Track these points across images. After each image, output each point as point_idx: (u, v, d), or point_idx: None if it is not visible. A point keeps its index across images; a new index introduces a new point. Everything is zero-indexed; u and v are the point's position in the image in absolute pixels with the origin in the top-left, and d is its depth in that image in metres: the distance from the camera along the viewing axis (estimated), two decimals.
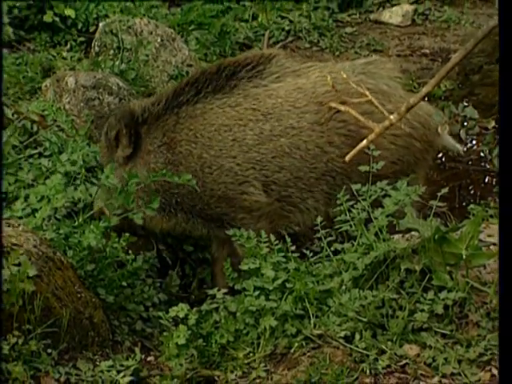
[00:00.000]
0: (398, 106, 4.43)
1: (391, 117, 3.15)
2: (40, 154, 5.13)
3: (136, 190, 4.40)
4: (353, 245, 4.03)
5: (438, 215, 4.91)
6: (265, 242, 4.10)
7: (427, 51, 8.24)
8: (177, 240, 5.29)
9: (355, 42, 8.20)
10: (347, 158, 3.28)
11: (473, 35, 5.01)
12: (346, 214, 4.09)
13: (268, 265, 3.98)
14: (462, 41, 8.20)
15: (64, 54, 6.97)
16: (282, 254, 4.05)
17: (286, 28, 8.14)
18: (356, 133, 4.81)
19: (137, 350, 3.98)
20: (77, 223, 4.45)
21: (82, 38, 7.27)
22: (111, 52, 6.46)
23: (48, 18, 7.26)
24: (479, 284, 3.89)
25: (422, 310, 3.75)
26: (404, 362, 3.65)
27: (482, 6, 8.94)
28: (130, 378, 3.73)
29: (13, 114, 5.23)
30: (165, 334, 3.89)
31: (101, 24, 6.62)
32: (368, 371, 3.62)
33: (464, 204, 6.14)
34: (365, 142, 3.20)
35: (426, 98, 5.70)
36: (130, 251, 4.55)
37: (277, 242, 4.11)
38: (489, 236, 4.27)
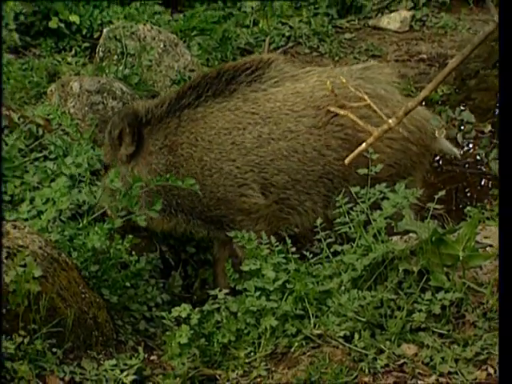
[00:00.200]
0: (395, 111, 4.44)
1: (389, 121, 3.15)
2: (45, 157, 5.13)
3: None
4: (352, 246, 4.03)
5: (435, 217, 4.90)
6: (265, 244, 4.10)
7: (425, 56, 8.24)
8: (179, 241, 5.29)
9: (354, 48, 8.20)
10: (346, 161, 3.27)
11: (469, 41, 5.01)
12: (345, 216, 4.09)
13: (269, 266, 3.98)
14: (458, 46, 8.20)
15: (69, 59, 6.98)
16: (283, 255, 4.05)
17: (287, 34, 8.14)
18: (353, 136, 4.82)
19: (140, 349, 3.98)
20: (81, 225, 4.45)
21: (86, 44, 7.28)
22: (115, 57, 6.47)
23: (53, 24, 7.27)
24: (476, 285, 3.89)
25: (420, 310, 3.75)
26: (402, 361, 3.65)
27: (479, 12, 8.93)
28: (134, 377, 3.73)
29: (19, 118, 5.23)
30: (167, 333, 3.89)
31: (105, 30, 6.63)
32: (367, 370, 3.61)
33: (461, 206, 6.14)
34: (364, 145, 3.20)
35: (424, 103, 5.70)
36: (133, 252, 4.54)
37: (277, 243, 4.11)
38: (485, 238, 4.27)
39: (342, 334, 3.73)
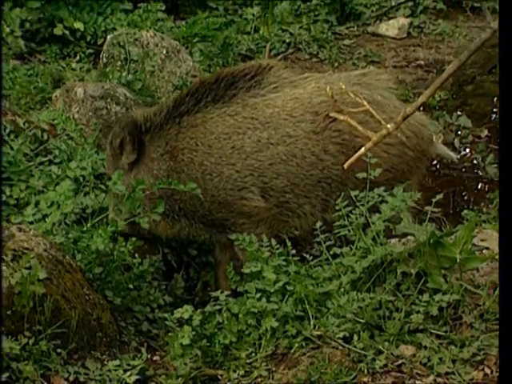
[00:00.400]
0: (392, 116, 4.43)
1: (388, 126, 3.16)
2: (50, 162, 5.13)
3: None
4: (351, 249, 4.02)
5: (432, 220, 4.90)
6: (266, 246, 4.10)
7: (422, 62, 8.24)
8: (181, 244, 5.29)
9: (353, 54, 8.20)
10: (346, 166, 3.28)
11: (466, 47, 5.01)
12: (344, 219, 4.09)
13: (269, 268, 3.98)
14: (455, 53, 8.20)
15: (73, 65, 6.98)
16: (283, 257, 4.05)
17: (287, 40, 8.15)
18: (350, 141, 4.82)
19: (143, 349, 3.98)
20: (85, 228, 4.45)
21: (90, 50, 7.29)
22: (118, 63, 6.47)
23: (58, 30, 7.28)
24: (473, 287, 3.89)
25: (418, 312, 3.74)
26: (400, 361, 3.65)
27: (475, 19, 8.94)
28: (137, 377, 3.73)
29: (24, 123, 5.23)
30: (170, 334, 3.89)
31: (109, 36, 6.63)
32: (366, 371, 3.61)
33: (458, 210, 6.13)
34: (363, 150, 3.20)
35: (422, 108, 5.70)
36: (136, 255, 4.54)
37: (278, 246, 4.11)
38: (482, 240, 4.27)
39: (341, 335, 3.73)
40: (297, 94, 4.92)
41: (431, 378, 3.55)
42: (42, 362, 3.62)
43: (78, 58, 7.18)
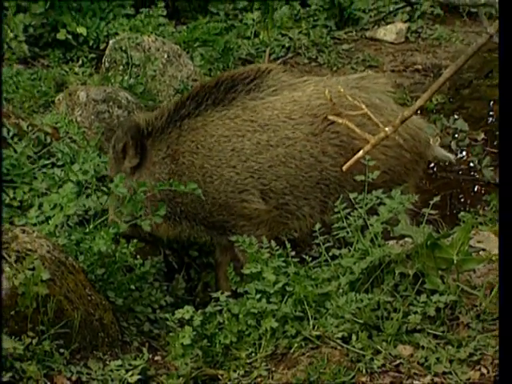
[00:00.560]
0: (389, 120, 4.43)
1: (386, 129, 3.15)
2: (53, 164, 5.12)
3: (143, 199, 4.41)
4: (349, 250, 4.02)
5: (430, 222, 4.91)
6: (266, 248, 4.09)
7: (420, 67, 8.24)
8: (182, 246, 5.28)
9: (352, 58, 8.20)
10: (344, 168, 3.28)
11: (463, 52, 5.02)
12: (343, 221, 4.09)
13: (269, 269, 3.98)
14: (452, 57, 8.19)
15: (76, 69, 6.98)
16: (283, 258, 4.05)
17: (286, 45, 8.15)
18: (348, 144, 4.82)
19: (144, 350, 3.97)
20: (88, 230, 4.45)
21: (93, 55, 7.29)
22: (120, 68, 6.47)
23: (61, 35, 7.28)
24: (469, 288, 3.89)
25: (416, 312, 3.74)
26: (398, 361, 3.64)
27: (472, 24, 8.93)
28: (138, 377, 3.73)
29: (27, 127, 5.23)
30: (171, 334, 3.88)
31: (111, 41, 6.63)
32: (364, 370, 3.61)
33: (455, 212, 6.13)
34: (361, 152, 3.20)
35: (419, 111, 5.69)
36: (138, 256, 4.54)
37: (277, 247, 4.10)
38: (478, 242, 4.27)
39: (340, 335, 3.72)
40: (296, 96, 4.92)
41: (429, 377, 3.55)
42: (45, 362, 3.62)
43: (80, 62, 7.17)
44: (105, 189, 4.98)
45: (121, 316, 4.28)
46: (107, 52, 6.57)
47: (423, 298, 3.77)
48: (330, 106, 4.61)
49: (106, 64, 6.52)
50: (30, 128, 5.23)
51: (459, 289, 3.82)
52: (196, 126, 4.88)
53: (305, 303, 3.86)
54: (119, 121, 5.62)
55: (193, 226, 4.92)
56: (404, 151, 4.94)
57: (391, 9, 8.77)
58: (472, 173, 6.65)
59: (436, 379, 3.54)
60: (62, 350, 3.70)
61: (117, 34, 7.23)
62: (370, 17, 8.77)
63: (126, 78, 6.28)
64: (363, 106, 3.29)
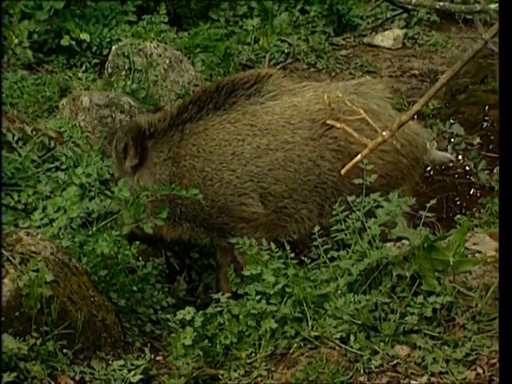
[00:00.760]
0: (387, 125, 4.43)
1: (383, 133, 3.15)
2: (57, 168, 5.13)
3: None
4: (348, 252, 4.02)
5: (426, 225, 4.90)
6: (265, 250, 4.09)
7: (416, 72, 8.23)
8: (184, 247, 5.28)
9: (350, 64, 8.19)
10: (342, 172, 3.27)
11: (459, 58, 5.02)
12: (341, 224, 4.09)
13: (269, 271, 3.98)
14: (448, 63, 8.19)
15: (79, 74, 6.98)
16: (282, 260, 4.05)
17: (286, 50, 8.14)
18: (346, 148, 4.82)
19: (146, 350, 3.97)
20: (91, 232, 4.45)
21: (96, 60, 7.28)
22: (123, 73, 6.47)
23: (65, 41, 7.27)
24: (465, 289, 3.89)
25: (412, 313, 3.74)
26: (395, 361, 3.64)
27: (467, 30, 8.93)
28: (140, 377, 3.72)
29: (32, 131, 5.24)
30: (172, 335, 3.88)
31: (114, 47, 6.63)
32: (362, 370, 3.60)
33: (451, 214, 6.13)
34: (359, 156, 3.19)
35: (416, 116, 5.70)
36: (140, 258, 4.54)
37: (277, 249, 4.10)
38: (474, 244, 4.27)
39: (338, 335, 3.72)
40: (295, 101, 4.93)
41: (425, 377, 3.55)
42: (48, 362, 3.61)
43: (84, 67, 7.17)
44: (108, 192, 4.98)
45: (123, 317, 4.28)
46: (110, 58, 6.57)
47: (420, 299, 3.77)
48: (328, 111, 4.62)
49: (109, 69, 6.52)
50: (34, 132, 5.24)
51: (455, 290, 3.82)
52: (197, 129, 4.89)
53: (304, 304, 3.85)
54: (122, 125, 5.63)
55: (193, 228, 4.92)
56: (401, 156, 4.94)
57: (388, 15, 8.77)
58: (468, 176, 6.65)
59: (433, 379, 3.54)
60: (65, 351, 3.70)
61: (119, 40, 7.23)
62: (368, 23, 8.77)
63: (129, 83, 6.28)
64: (361, 112, 3.29)
